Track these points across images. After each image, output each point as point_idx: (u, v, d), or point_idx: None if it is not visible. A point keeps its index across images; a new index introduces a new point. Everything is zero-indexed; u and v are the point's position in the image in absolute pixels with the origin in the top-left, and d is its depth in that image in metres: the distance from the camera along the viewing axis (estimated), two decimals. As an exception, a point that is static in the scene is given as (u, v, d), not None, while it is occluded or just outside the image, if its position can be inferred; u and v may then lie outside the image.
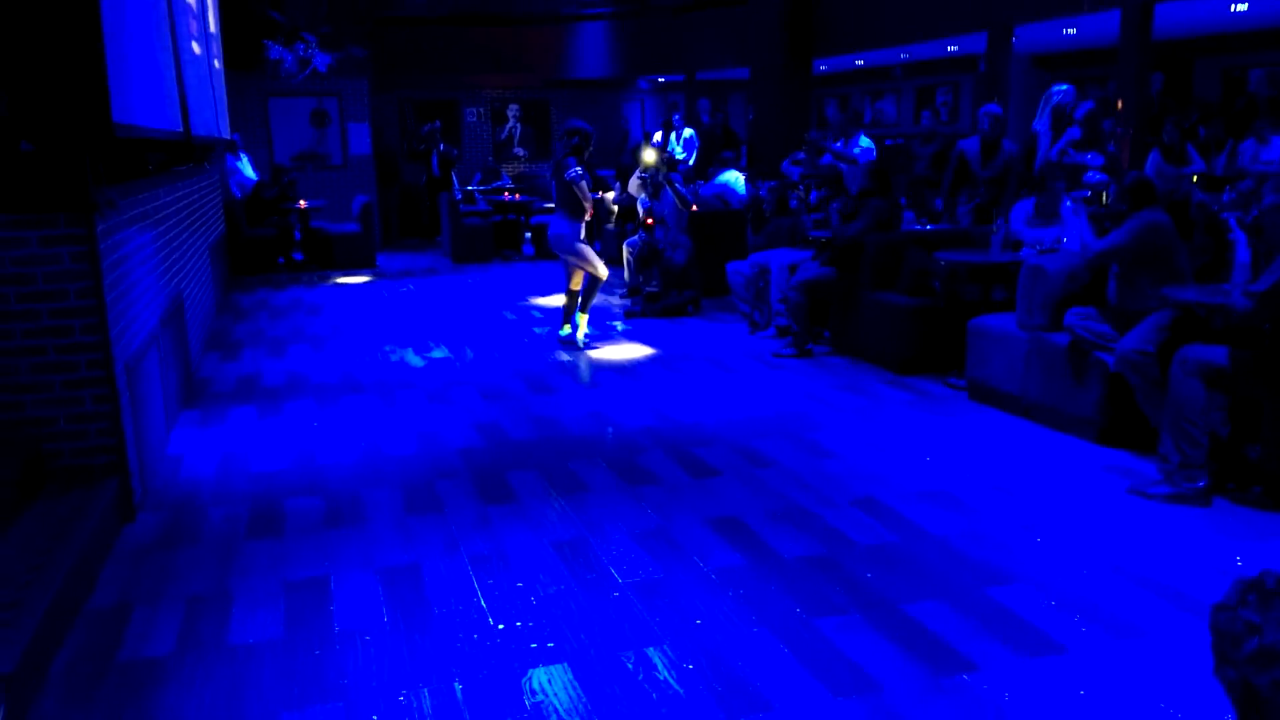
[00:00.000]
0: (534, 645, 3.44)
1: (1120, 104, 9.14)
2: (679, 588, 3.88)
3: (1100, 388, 5.45)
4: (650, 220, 9.91)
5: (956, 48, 13.78)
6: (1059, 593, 3.76)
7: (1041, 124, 9.17)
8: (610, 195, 12.55)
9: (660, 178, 10.27)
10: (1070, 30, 11.68)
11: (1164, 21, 9.54)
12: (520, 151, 18.48)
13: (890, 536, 4.34)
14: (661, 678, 3.22)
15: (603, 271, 8.24)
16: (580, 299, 8.35)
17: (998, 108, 8.70)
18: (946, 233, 7.93)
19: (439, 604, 3.77)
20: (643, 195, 10.58)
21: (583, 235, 8.20)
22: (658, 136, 14.51)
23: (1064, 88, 9.11)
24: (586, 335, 8.43)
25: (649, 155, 10.56)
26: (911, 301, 7.21)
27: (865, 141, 10.97)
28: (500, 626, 3.58)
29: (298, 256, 13.37)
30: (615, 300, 10.56)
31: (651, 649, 3.40)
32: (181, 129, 7.17)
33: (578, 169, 8.02)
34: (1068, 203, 7.03)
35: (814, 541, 4.30)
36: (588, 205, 8.09)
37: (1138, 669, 3.22)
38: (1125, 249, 5.35)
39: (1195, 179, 9.37)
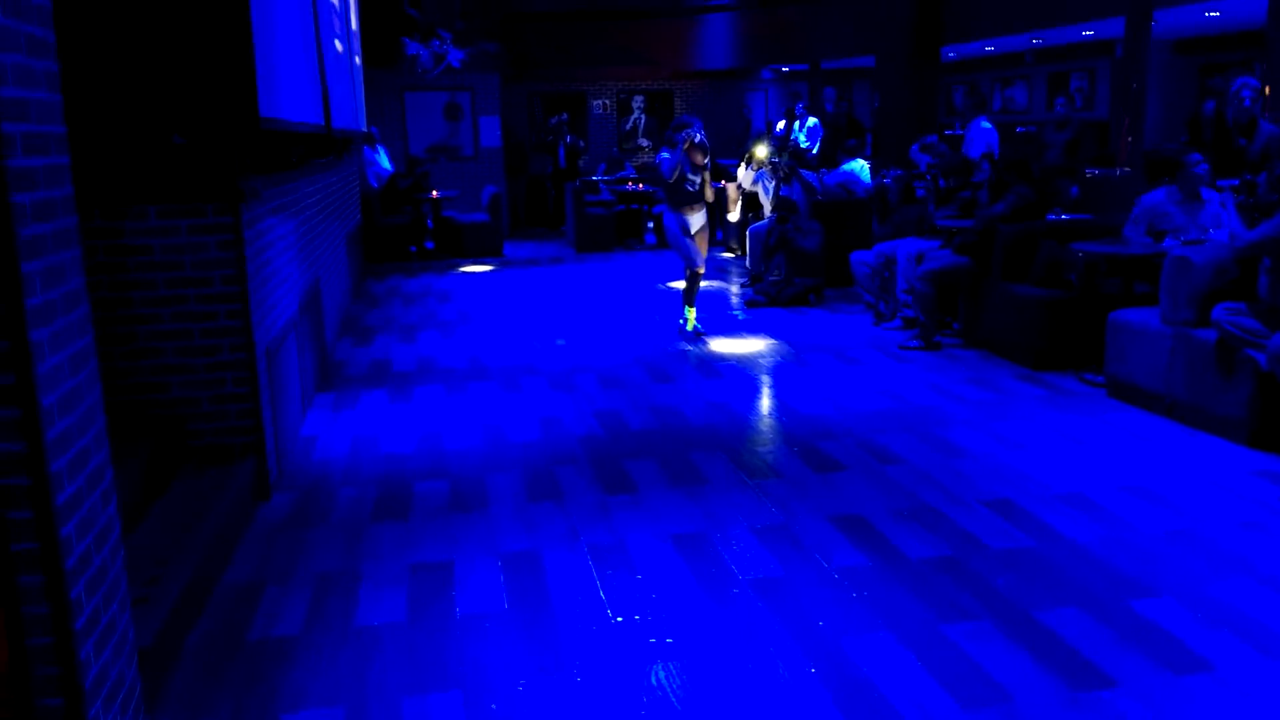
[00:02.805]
0: (652, 640, 3.43)
1: (1268, 90, 8.48)
2: (800, 587, 3.81)
3: (1250, 387, 5.13)
4: (786, 206, 9.81)
5: (1092, 32, 13.20)
6: (1206, 606, 3.54)
7: None
8: (737, 182, 12.45)
9: (785, 165, 10.17)
10: (1213, 14, 11.05)
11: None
12: (644, 142, 18.54)
13: (1024, 540, 4.17)
14: (782, 679, 3.16)
15: (698, 266, 8.28)
16: (685, 290, 8.37)
17: (1256, 80, 7.96)
18: (1083, 223, 7.60)
19: (558, 594, 3.79)
20: (764, 185, 10.49)
21: (691, 227, 8.23)
22: (780, 125, 14.34)
23: None
24: (707, 323, 8.44)
25: (760, 151, 10.49)
26: (1046, 293, 6.93)
27: (986, 125, 10.60)
28: (619, 619, 3.58)
29: (429, 245, 13.72)
30: (736, 289, 10.48)
31: (772, 649, 3.35)
32: (323, 122, 7.39)
33: (664, 155, 8.27)
34: (1212, 193, 6.62)
35: (943, 543, 4.17)
36: (697, 190, 8.15)
37: (1295, 691, 3.01)
38: (1277, 241, 5.03)
39: None
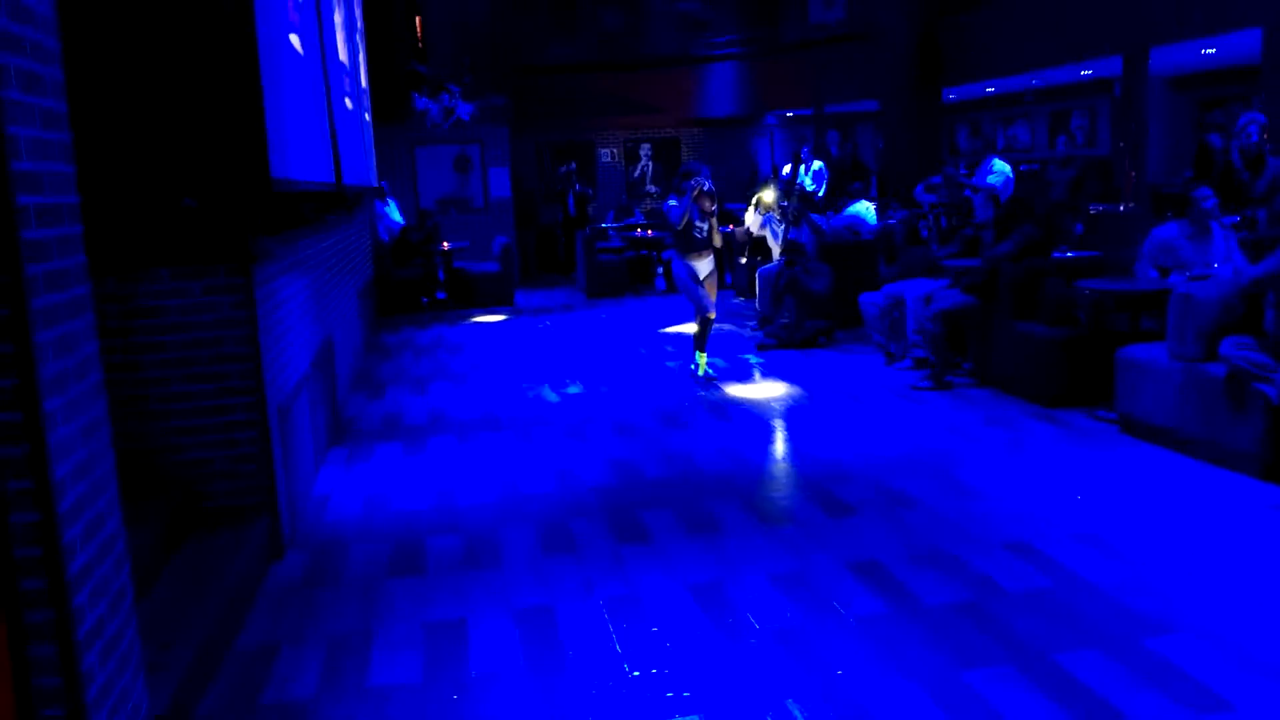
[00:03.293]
0: (670, 694, 3.40)
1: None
2: (818, 635, 3.78)
3: (1262, 421, 5.11)
4: (794, 249, 9.86)
5: (1090, 71, 13.32)
6: (1224, 644, 3.51)
7: None
8: (745, 227, 12.54)
9: (794, 209, 10.25)
10: (1209, 50, 11.14)
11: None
12: (653, 189, 18.70)
13: (1042, 582, 4.14)
14: (800, 730, 3.13)
15: (708, 311, 8.32)
16: (696, 335, 8.40)
17: (1263, 115, 7.87)
18: (1089, 259, 7.62)
19: (574, 649, 3.77)
20: (772, 228, 10.56)
21: (700, 273, 8.28)
22: (786, 169, 14.45)
23: None
24: (719, 368, 8.48)
25: (767, 195, 10.58)
26: (1056, 331, 6.93)
27: (1000, 165, 10.62)
28: (635, 674, 3.55)
29: (441, 296, 13.81)
30: (747, 332, 10.50)
31: (791, 701, 3.31)
32: (334, 180, 7.49)
33: (671, 203, 8.45)
34: (1216, 227, 6.63)
35: (961, 587, 4.13)
36: (705, 236, 8.23)
37: (1322, 733, 2.97)
38: None
39: None
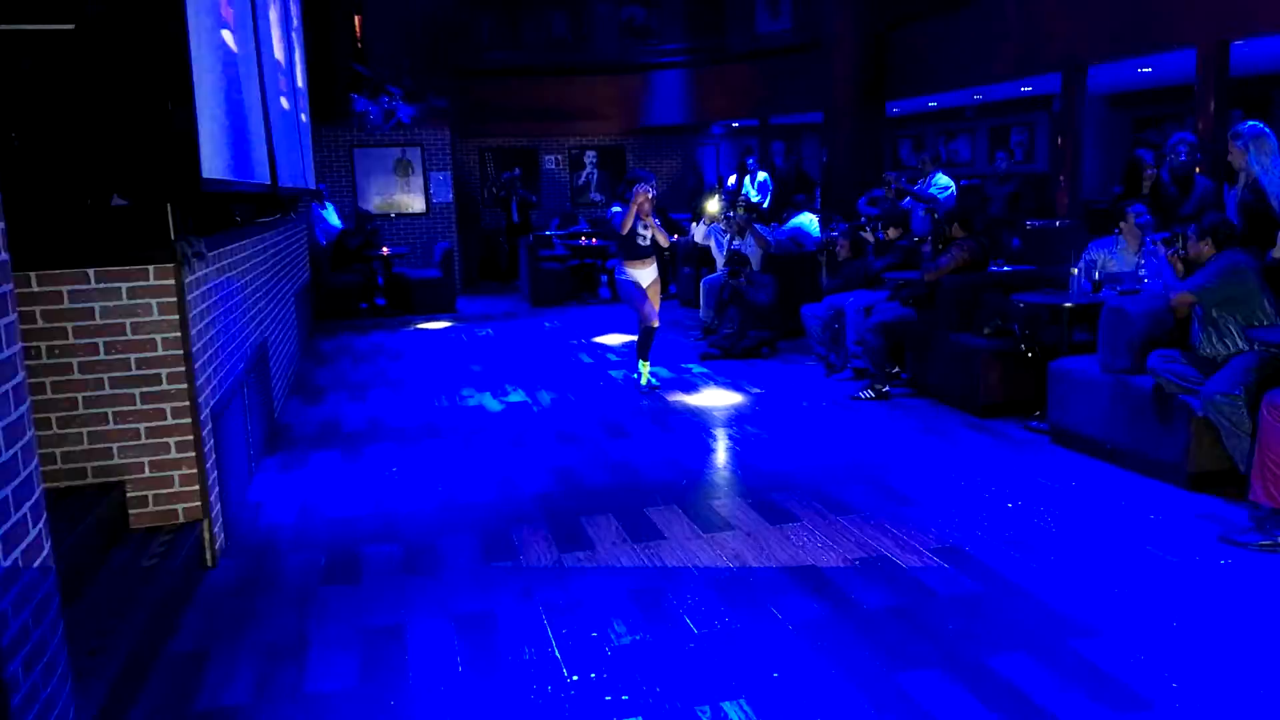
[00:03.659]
0: (608, 698, 3.39)
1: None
2: (756, 639, 3.80)
3: (1187, 432, 5.26)
4: (738, 260, 9.93)
5: (1031, 88, 13.63)
6: (1145, 646, 3.61)
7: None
8: (688, 237, 12.60)
9: (740, 219, 10.33)
10: (1145, 69, 11.46)
11: (1241, 58, 9.23)
12: (597, 197, 18.72)
13: (973, 586, 4.21)
14: (736, 734, 3.15)
15: (652, 320, 8.34)
16: (640, 344, 8.42)
17: (1193, 135, 7.90)
18: (1025, 273, 7.78)
19: (513, 654, 3.75)
20: (717, 239, 10.63)
21: (643, 281, 8.30)
22: (731, 180, 14.56)
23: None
24: (662, 377, 8.51)
25: (712, 205, 10.66)
26: (991, 343, 7.07)
27: (944, 180, 10.83)
28: (574, 678, 3.54)
29: (380, 302, 13.67)
30: (691, 342, 10.54)
31: (728, 703, 3.33)
32: (269, 182, 7.39)
33: (614, 209, 8.66)
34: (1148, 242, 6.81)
35: (895, 591, 4.19)
36: (647, 244, 8.31)
37: (1239, 732, 3.06)
38: (1208, 291, 5.24)
39: None
